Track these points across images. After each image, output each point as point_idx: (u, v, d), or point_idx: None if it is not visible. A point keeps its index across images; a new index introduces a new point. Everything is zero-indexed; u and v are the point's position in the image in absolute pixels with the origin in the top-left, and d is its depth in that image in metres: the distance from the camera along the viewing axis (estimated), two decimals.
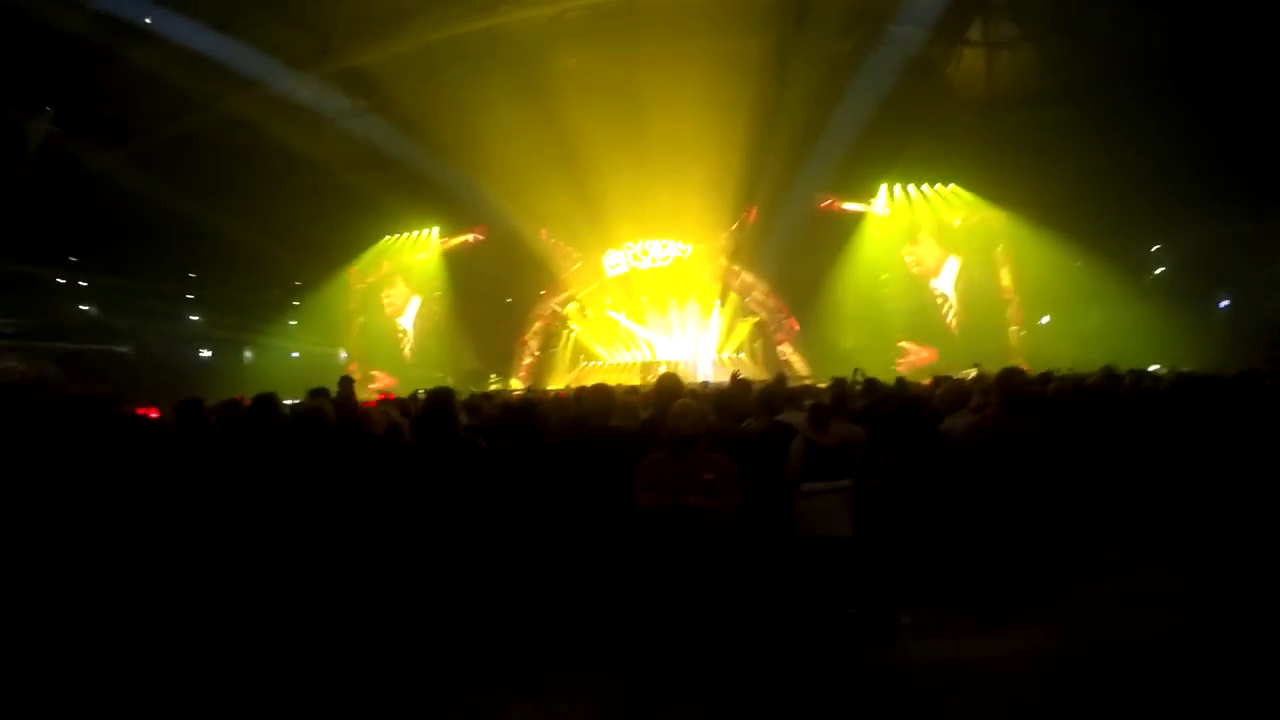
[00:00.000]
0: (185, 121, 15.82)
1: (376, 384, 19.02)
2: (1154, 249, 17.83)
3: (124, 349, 18.07)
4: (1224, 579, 4.16)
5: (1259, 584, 4.06)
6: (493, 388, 16.93)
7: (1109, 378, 6.44)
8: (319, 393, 4.41)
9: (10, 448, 3.39)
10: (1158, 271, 17.89)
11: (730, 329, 20.01)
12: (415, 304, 21.41)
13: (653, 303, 20.38)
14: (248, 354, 20.75)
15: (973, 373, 8.49)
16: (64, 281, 17.60)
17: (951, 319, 18.61)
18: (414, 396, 6.51)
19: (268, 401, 3.87)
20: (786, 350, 19.42)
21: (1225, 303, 16.93)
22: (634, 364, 20.03)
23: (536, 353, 20.89)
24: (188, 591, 3.13)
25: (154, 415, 5.94)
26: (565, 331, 21.00)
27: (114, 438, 3.62)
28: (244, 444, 3.64)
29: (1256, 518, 4.79)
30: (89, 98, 14.66)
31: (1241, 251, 16.14)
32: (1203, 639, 3.50)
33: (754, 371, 17.51)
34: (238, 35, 14.44)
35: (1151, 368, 11.02)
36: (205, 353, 20.11)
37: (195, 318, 20.10)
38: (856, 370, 6.74)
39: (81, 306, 18.00)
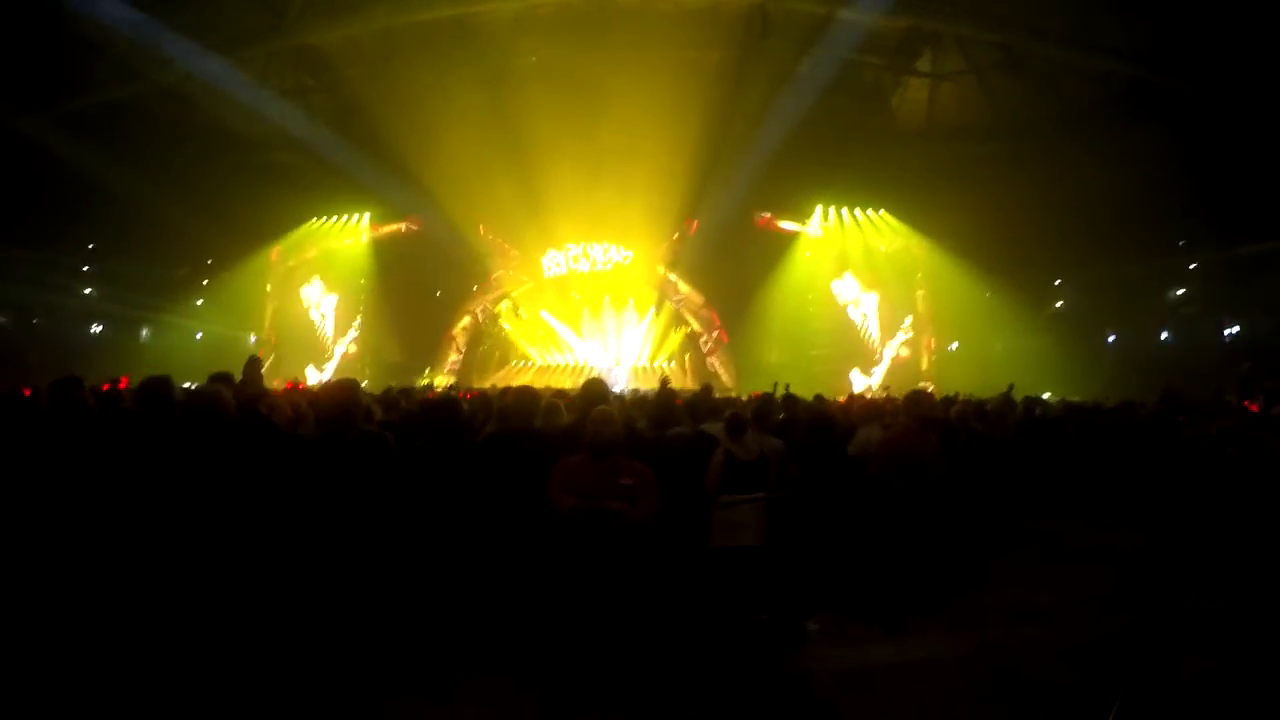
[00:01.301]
0: (115, 88, 14.75)
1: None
2: (1056, 283, 19.26)
3: (2, 320, 16.42)
4: (1102, 594, 4.52)
5: (1134, 599, 4.42)
6: (423, 383, 16.40)
7: (1005, 403, 6.92)
8: (220, 377, 4.12)
9: None
10: (1057, 305, 19.35)
11: (663, 338, 20.19)
12: (328, 297, 20.50)
13: (588, 307, 20.30)
14: (145, 331, 19.24)
15: (882, 393, 8.93)
16: None
17: (873, 342, 19.44)
18: (325, 386, 6.22)
19: (157, 385, 3.57)
20: (715, 362, 19.76)
21: (1113, 337, 18.46)
22: (564, 367, 19.85)
23: (463, 349, 20.34)
24: (44, 590, 2.84)
25: (26, 394, 5.40)
26: (496, 330, 20.59)
27: None
28: (125, 430, 3.35)
29: (1133, 536, 5.22)
30: (15, 54, 13.32)
31: (1132, 290, 17.65)
32: (1081, 651, 3.76)
33: (683, 381, 17.73)
34: (194, 4, 13.56)
35: (1044, 395, 11.91)
36: (97, 328, 18.50)
37: (89, 290, 18.48)
38: (776, 385, 6.94)
39: None
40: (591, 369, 18.92)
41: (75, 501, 2.99)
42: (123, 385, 5.13)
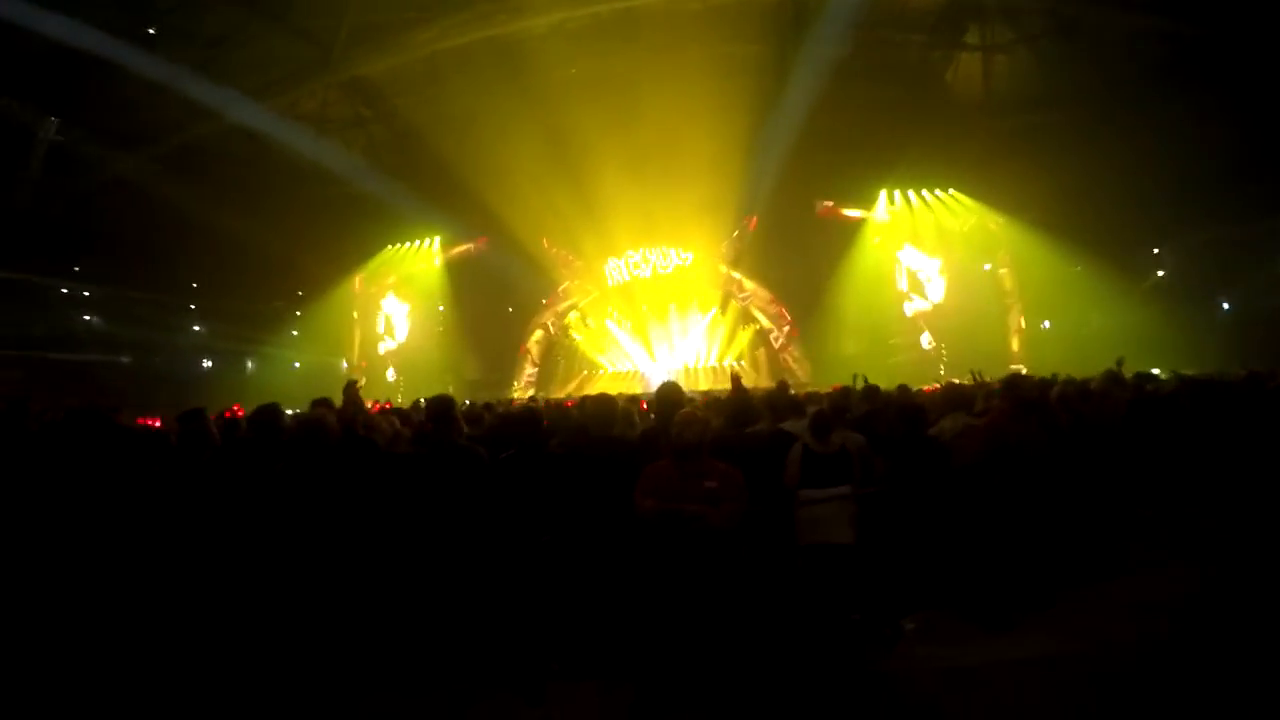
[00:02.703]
0: (189, 131, 15.86)
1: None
2: (1154, 252, 17.83)
3: (125, 359, 18.11)
4: (1228, 585, 4.15)
5: (1262, 590, 4.04)
6: (514, 397, 16.90)
7: (1112, 382, 6.41)
8: (321, 402, 4.42)
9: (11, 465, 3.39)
10: (1158, 274, 17.88)
11: (732, 336, 20.01)
12: (404, 311, 21.41)
13: (653, 311, 20.39)
14: (249, 364, 20.79)
15: (971, 379, 8.48)
16: (67, 291, 17.65)
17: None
18: (415, 405, 6.52)
19: (269, 412, 3.87)
20: (788, 357, 19.41)
21: (1226, 305, 16.90)
22: (634, 373, 20.03)
23: (538, 362, 20.88)
24: (193, 604, 3.12)
25: (155, 425, 5.95)
26: (567, 340, 21.00)
27: (116, 449, 3.62)
28: (247, 455, 3.64)
29: (1260, 523, 4.77)
30: (95, 106, 14.73)
31: (1241, 253, 16.13)
32: (1206, 645, 3.49)
33: (755, 379, 17.51)
34: (243, 46, 14.58)
35: (1153, 371, 11.01)
36: (207, 363, 20.13)
37: (197, 328, 20.15)
38: (856, 376, 6.73)
39: (84, 317, 18.03)
40: (657, 374, 19.01)
41: (207, 524, 3.27)
42: (238, 414, 5.57)
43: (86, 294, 17.95)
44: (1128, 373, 7.23)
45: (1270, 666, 3.22)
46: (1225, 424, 5.55)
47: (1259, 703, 3.01)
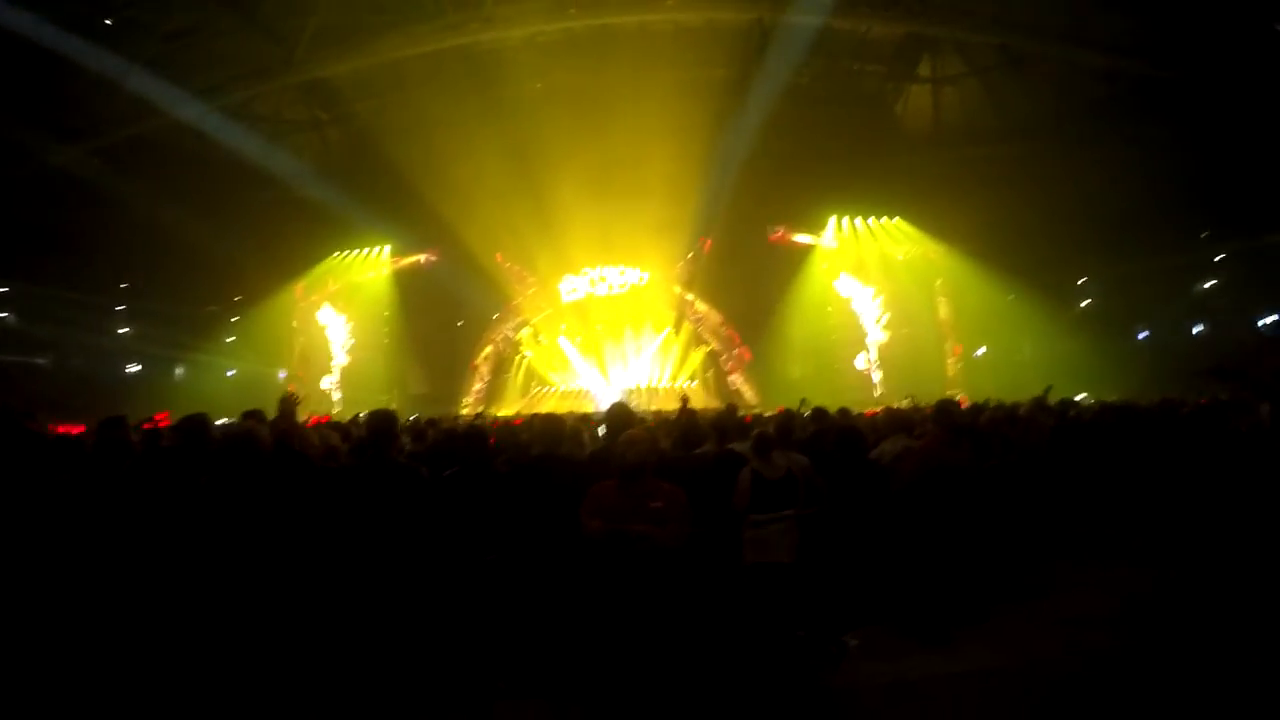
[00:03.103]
0: (135, 125, 15.14)
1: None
2: (1080, 282, 18.92)
3: (42, 360, 16.95)
4: (1151, 599, 4.40)
5: (1184, 604, 4.31)
6: (461, 414, 16.52)
7: (1038, 408, 6.78)
8: (252, 414, 4.23)
9: None
10: (1084, 304, 18.99)
11: (684, 357, 20.19)
12: (347, 322, 20.80)
13: (607, 330, 20.40)
14: (179, 370, 19.74)
15: (907, 403, 8.78)
16: None
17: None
18: (354, 420, 6.32)
19: (196, 422, 3.67)
20: (737, 379, 19.70)
21: (1144, 334, 18.04)
22: (584, 392, 19.92)
23: (487, 378, 20.54)
24: (101, 621, 2.91)
25: (77, 432, 5.57)
26: (517, 357, 20.75)
27: (25, 455, 3.37)
28: (169, 467, 3.44)
29: (1180, 539, 5.08)
30: (39, 96, 13.88)
31: (1158, 284, 17.28)
32: (1132, 658, 3.68)
33: (706, 400, 17.67)
34: (205, 42, 14.03)
35: (1078, 397, 11.64)
36: (133, 367, 19.03)
37: (124, 330, 19.05)
38: (803, 401, 6.88)
39: None
40: (609, 393, 18.99)
41: (120, 538, 3.07)
42: (162, 423, 5.27)
43: (3, 290, 16.78)
44: (1054, 399, 7.66)
45: (1193, 677, 3.43)
46: (1142, 447, 5.90)
47: (1184, 712, 3.20)
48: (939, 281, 19.15)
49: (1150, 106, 14.44)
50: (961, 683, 3.55)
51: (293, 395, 3.84)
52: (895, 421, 5.35)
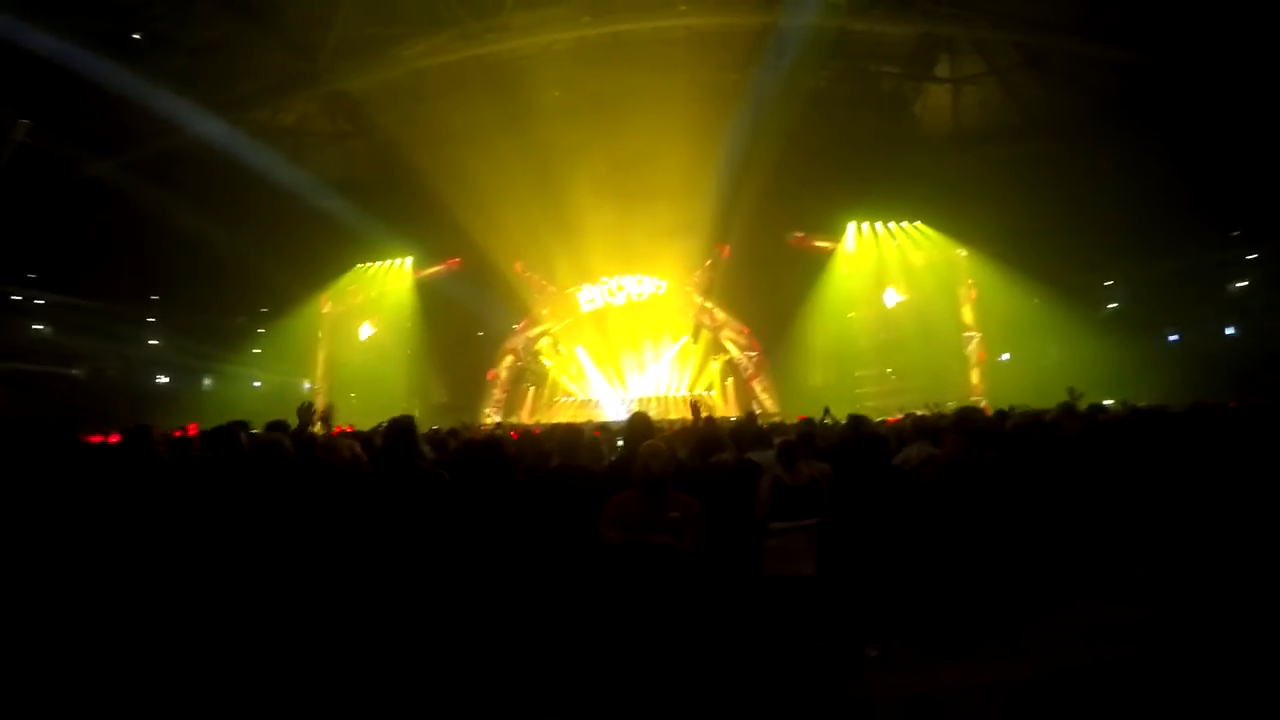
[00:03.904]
0: (166, 139, 15.52)
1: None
2: (1107, 283, 18.49)
3: (77, 372, 17.43)
4: (1184, 610, 4.27)
5: (1217, 615, 4.17)
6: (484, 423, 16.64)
7: (1064, 413, 6.63)
8: (276, 426, 4.31)
9: None
10: (1111, 306, 18.55)
11: (703, 366, 20.12)
12: (371, 332, 21.08)
13: (626, 339, 20.41)
14: (207, 381, 20.17)
15: (926, 410, 8.66)
16: (19, 299, 17.01)
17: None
18: (376, 429, 6.40)
19: (226, 432, 3.77)
20: (757, 388, 19.56)
21: (1175, 336, 17.59)
22: (606, 401, 19.95)
23: (507, 388, 20.66)
24: (134, 625, 2.98)
25: (115, 442, 5.71)
26: (537, 366, 20.87)
27: (64, 464, 3.49)
28: (195, 475, 3.53)
29: (1214, 548, 4.94)
30: (72, 110, 14.34)
31: (1188, 285, 16.80)
32: (1162, 670, 3.58)
33: (725, 409, 17.59)
34: (230, 56, 14.41)
35: (1106, 402, 11.39)
36: (163, 378, 19.49)
37: (154, 341, 19.53)
38: (826, 411, 6.82)
39: (35, 326, 17.35)
40: (627, 402, 19.01)
41: (148, 544, 3.15)
42: (191, 432, 5.40)
43: (39, 302, 17.29)
44: (1083, 404, 7.49)
45: (1225, 690, 3.32)
46: (1173, 452, 5.75)
47: None
48: (962, 286, 18.85)
49: (1175, 101, 14.06)
50: (985, 695, 3.48)
51: (312, 405, 3.92)
52: (921, 428, 5.28)
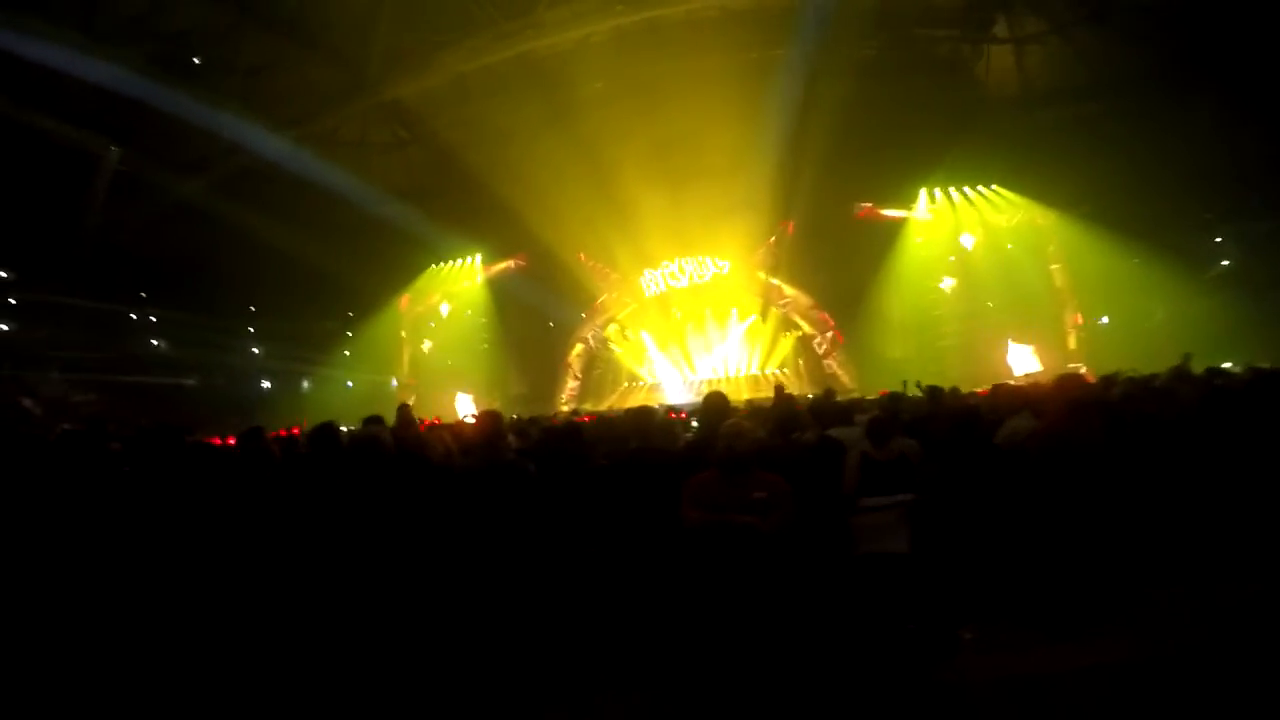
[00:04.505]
0: (237, 157, 16.54)
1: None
2: (1217, 240, 16.91)
3: (190, 382, 18.97)
4: None
5: None
6: (561, 410, 17.06)
7: (1178, 377, 6.12)
8: (374, 420, 4.57)
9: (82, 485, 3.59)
10: (1223, 264, 16.93)
11: (773, 344, 19.81)
12: (449, 329, 21.95)
13: (692, 321, 20.35)
14: (305, 384, 21.56)
15: (1027, 379, 8.17)
16: (135, 317, 18.60)
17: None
18: (462, 421, 6.67)
19: (327, 430, 4.04)
20: (833, 364, 19.09)
21: None
22: (675, 383, 20.00)
23: (580, 375, 21.07)
24: (253, 612, 3.26)
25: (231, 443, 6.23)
26: (607, 353, 21.15)
27: (191, 464, 3.83)
28: (306, 470, 3.80)
29: None
30: (153, 135, 15.40)
31: None
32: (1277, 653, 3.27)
33: (799, 387, 17.26)
34: (283, 75, 15.22)
35: (1224, 365, 10.44)
36: (265, 384, 20.97)
37: (255, 350, 21.00)
38: (906, 383, 6.58)
39: (152, 341, 18.94)
40: (697, 384, 18.96)
41: (269, 536, 3.42)
42: (295, 432, 5.81)
43: (153, 319, 18.93)
44: (1198, 368, 6.89)
45: None
46: None
47: None
48: (1050, 248, 17.64)
49: (1261, 46, 12.60)
50: (1084, 678, 3.29)
51: (409, 404, 4.13)
52: (1016, 398, 5.00)
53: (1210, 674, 3.20)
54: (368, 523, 3.34)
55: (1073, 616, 3.78)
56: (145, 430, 4.18)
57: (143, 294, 18.38)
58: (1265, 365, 9.34)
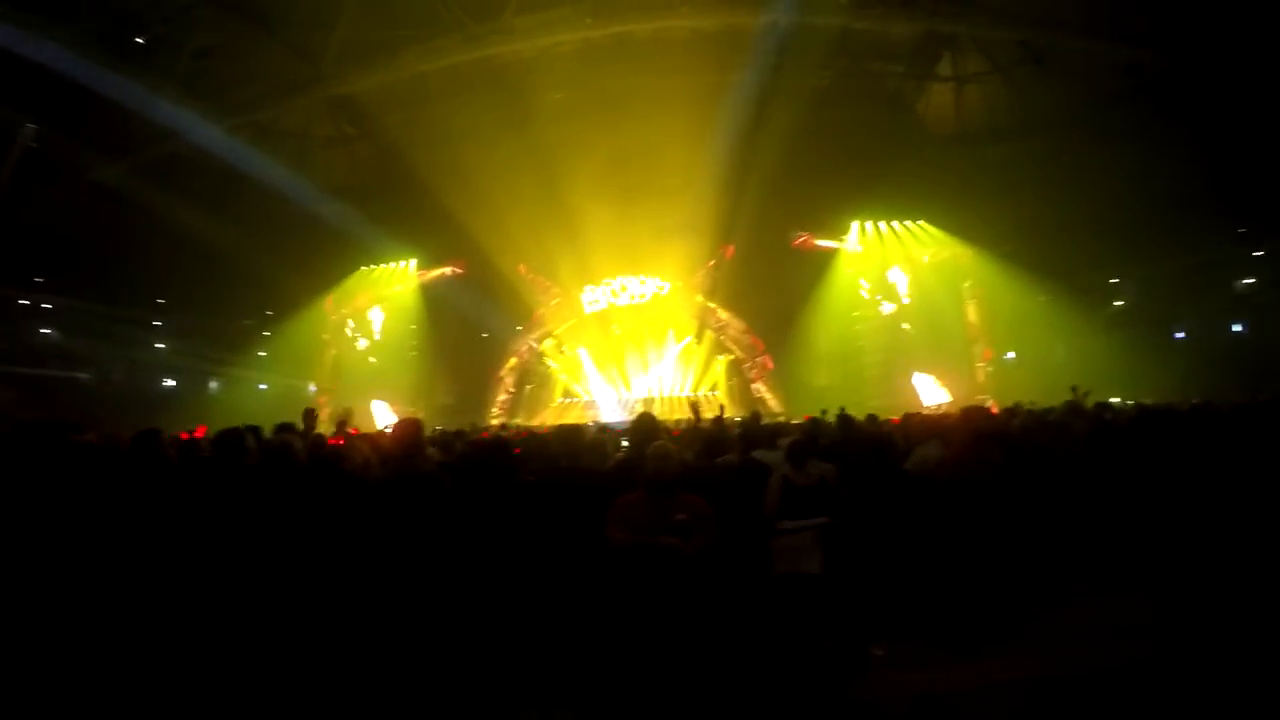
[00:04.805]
0: (169, 143, 15.58)
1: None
2: (1113, 281, 18.42)
3: (84, 376, 17.51)
4: (1190, 609, 4.24)
5: (1225, 614, 4.15)
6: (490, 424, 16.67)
7: (1070, 411, 6.62)
8: (285, 428, 4.34)
9: None
10: (1117, 304, 18.48)
11: (707, 366, 20.11)
12: (375, 334, 21.17)
13: (630, 339, 20.42)
14: (213, 384, 20.25)
15: (939, 409, 8.62)
16: (27, 303, 17.08)
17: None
18: (382, 432, 6.43)
19: (233, 435, 3.80)
20: (761, 388, 19.55)
21: (1181, 333, 17.50)
22: (608, 402, 19.95)
23: (512, 389, 20.70)
24: (140, 626, 3.00)
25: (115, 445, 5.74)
26: (541, 368, 20.90)
27: (73, 465, 3.51)
28: (204, 477, 3.55)
29: (1221, 547, 4.91)
30: (76, 115, 14.37)
31: (1195, 281, 16.75)
32: (1171, 669, 3.56)
33: (730, 409, 17.56)
34: (233, 59, 14.45)
35: (1112, 400, 11.34)
36: (169, 381, 19.57)
37: (161, 345, 19.61)
38: (825, 411, 6.82)
39: (43, 330, 17.43)
40: (631, 403, 19.01)
41: (157, 545, 3.17)
42: (199, 435, 5.43)
43: (47, 306, 17.39)
44: (1090, 402, 7.46)
45: (1230, 690, 3.31)
46: (1181, 451, 5.72)
47: None
48: (967, 284, 18.78)
49: (1179, 99, 14.03)
50: (991, 694, 3.47)
51: (315, 410, 3.95)
52: (927, 427, 5.26)
53: (1098, 690, 3.43)
54: (269, 534, 3.15)
55: (975, 634, 3.98)
56: (23, 425, 3.80)
57: (37, 279, 16.84)
58: (1149, 401, 10.25)
